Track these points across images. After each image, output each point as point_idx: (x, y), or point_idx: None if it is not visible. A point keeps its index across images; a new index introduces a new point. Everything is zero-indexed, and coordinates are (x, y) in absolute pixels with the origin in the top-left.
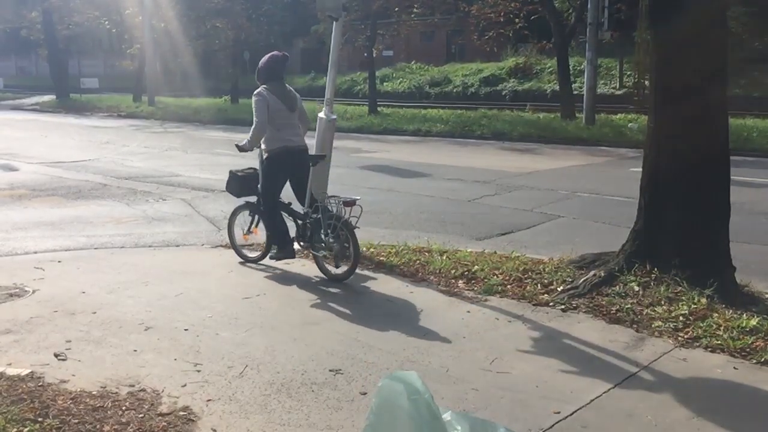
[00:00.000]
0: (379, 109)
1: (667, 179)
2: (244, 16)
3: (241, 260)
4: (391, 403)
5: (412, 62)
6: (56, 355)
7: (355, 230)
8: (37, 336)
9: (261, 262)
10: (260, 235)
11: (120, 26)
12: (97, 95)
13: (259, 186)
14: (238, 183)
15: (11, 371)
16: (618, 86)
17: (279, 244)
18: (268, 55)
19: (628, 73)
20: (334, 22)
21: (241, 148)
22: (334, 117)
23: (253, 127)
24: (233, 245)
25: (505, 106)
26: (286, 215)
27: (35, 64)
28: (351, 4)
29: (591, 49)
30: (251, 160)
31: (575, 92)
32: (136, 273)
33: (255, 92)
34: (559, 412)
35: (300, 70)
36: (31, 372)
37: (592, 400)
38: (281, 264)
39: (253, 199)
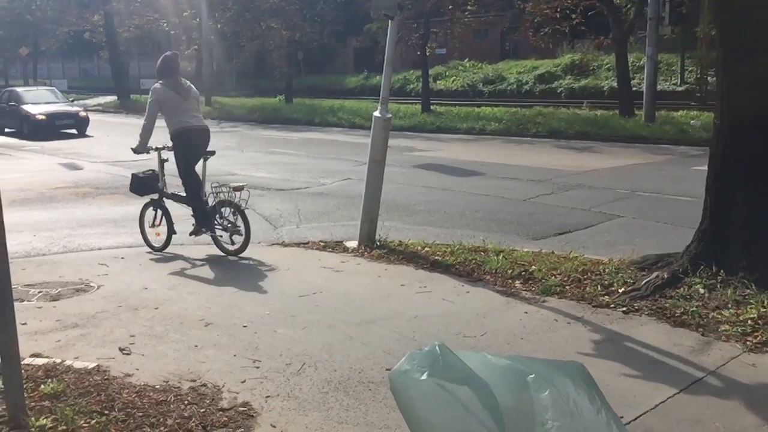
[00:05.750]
0: (432, 107)
1: (734, 177)
2: (298, 16)
3: (149, 250)
4: (416, 393)
5: (466, 60)
6: (121, 350)
7: (246, 210)
8: (103, 330)
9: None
10: (163, 229)
11: (178, 28)
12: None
13: (159, 184)
14: (139, 183)
15: (78, 364)
16: (679, 82)
17: (199, 219)
18: (162, 56)
19: (690, 68)
20: (390, 21)
21: (135, 150)
22: (389, 116)
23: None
24: (143, 237)
25: (560, 103)
26: (185, 205)
27: (97, 66)
28: (405, 2)
29: (651, 45)
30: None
31: (634, 89)
32: (195, 270)
33: (152, 87)
34: (622, 417)
35: (353, 69)
36: (98, 365)
37: (656, 405)
38: (333, 261)
39: (155, 196)
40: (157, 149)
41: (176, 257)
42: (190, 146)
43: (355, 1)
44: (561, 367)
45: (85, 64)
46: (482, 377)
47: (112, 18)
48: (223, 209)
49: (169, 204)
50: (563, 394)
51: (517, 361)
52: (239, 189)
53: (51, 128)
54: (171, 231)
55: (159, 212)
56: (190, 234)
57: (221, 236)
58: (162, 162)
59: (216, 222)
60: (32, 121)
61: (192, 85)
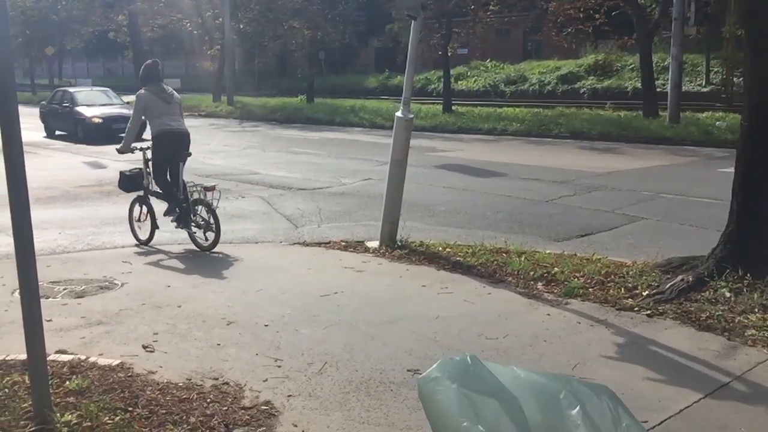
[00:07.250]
0: (453, 107)
1: (762, 179)
2: (320, 16)
3: (136, 243)
4: (442, 399)
5: (488, 60)
6: (144, 347)
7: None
8: (126, 328)
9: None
10: (148, 222)
11: (201, 28)
12: (179, 95)
13: (144, 182)
14: (126, 181)
15: (103, 361)
16: (704, 83)
17: (170, 205)
18: (144, 64)
19: (716, 69)
20: (412, 21)
21: (119, 150)
22: (411, 116)
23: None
24: (131, 230)
25: (583, 104)
26: (164, 202)
27: (121, 66)
28: (427, 2)
29: (676, 45)
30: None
31: (658, 90)
32: (217, 268)
33: (136, 94)
34: (646, 422)
35: (374, 69)
36: (121, 362)
37: (681, 410)
38: (355, 261)
39: (141, 193)
40: (141, 149)
41: (198, 256)
42: (169, 147)
43: (376, 1)
44: (590, 388)
45: (109, 63)
46: (512, 391)
47: (137, 18)
48: (197, 207)
49: (153, 201)
50: (594, 412)
51: (547, 377)
52: (210, 189)
53: (107, 132)
54: (154, 226)
55: (144, 208)
56: (164, 214)
57: (195, 232)
58: (147, 161)
59: (191, 219)
60: (87, 125)
61: (174, 91)
